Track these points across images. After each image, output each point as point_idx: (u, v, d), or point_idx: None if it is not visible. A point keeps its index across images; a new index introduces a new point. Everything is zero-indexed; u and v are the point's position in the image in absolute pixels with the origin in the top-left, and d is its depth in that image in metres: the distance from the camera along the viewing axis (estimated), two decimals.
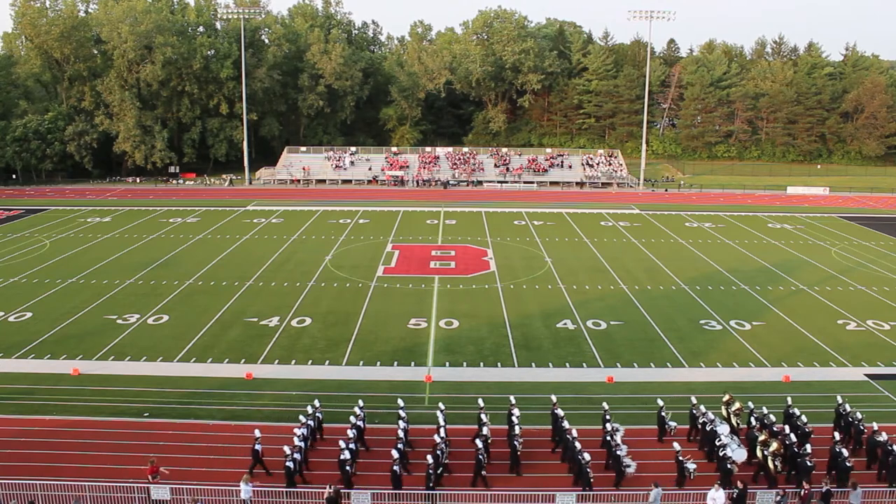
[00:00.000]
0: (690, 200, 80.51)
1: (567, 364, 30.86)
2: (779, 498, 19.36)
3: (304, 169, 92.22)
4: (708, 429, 22.86)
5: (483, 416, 23.29)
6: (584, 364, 30.89)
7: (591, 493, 20.42)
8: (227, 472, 21.92)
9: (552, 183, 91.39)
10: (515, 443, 22.06)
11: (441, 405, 24.25)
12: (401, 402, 24.35)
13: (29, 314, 36.91)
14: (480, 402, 24.42)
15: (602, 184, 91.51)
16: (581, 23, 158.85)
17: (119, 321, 35.83)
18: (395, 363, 30.85)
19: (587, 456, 20.93)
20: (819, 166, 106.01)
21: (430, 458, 20.82)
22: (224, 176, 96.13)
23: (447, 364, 30.78)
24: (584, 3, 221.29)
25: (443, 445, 21.71)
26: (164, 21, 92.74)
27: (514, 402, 24.35)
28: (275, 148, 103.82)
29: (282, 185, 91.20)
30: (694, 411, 24.13)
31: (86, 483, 20.33)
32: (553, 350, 32.39)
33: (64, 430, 24.60)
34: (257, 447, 21.84)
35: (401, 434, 22.39)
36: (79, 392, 27.65)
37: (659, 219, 67.05)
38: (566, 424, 22.92)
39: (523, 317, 37.08)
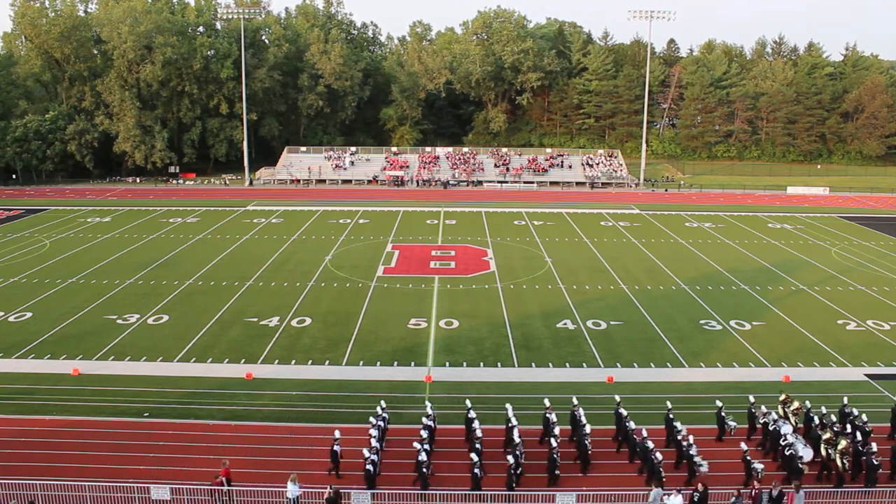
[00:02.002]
0: (690, 200, 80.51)
1: (567, 364, 30.86)
2: (734, 499, 19.38)
3: (309, 169, 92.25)
4: (771, 428, 22.86)
5: (551, 415, 23.15)
6: (584, 364, 30.88)
7: (592, 493, 20.41)
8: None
9: (552, 183, 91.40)
10: (586, 442, 22.03)
11: (508, 405, 23.98)
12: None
13: (29, 314, 36.90)
14: (547, 402, 24.24)
15: (602, 184, 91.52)
16: (581, 23, 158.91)
17: (119, 321, 35.83)
18: (395, 363, 30.84)
19: (659, 456, 21.00)
20: (819, 166, 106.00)
21: (511, 459, 20.78)
22: (223, 176, 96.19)
23: (447, 364, 30.77)
24: (584, 3, 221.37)
25: (522, 445, 21.69)
26: (164, 21, 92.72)
27: (576, 402, 24.31)
28: (275, 148, 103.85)
29: (282, 185, 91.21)
30: (753, 410, 24.16)
31: (86, 483, 20.31)
32: (553, 350, 32.39)
33: (64, 430, 24.58)
34: (336, 448, 21.59)
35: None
36: (79, 392, 27.64)
37: (659, 219, 67.05)
38: (632, 425, 22.93)
39: (523, 317, 37.08)
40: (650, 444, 21.52)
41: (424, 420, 23.06)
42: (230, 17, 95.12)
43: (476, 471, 20.53)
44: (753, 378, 29.55)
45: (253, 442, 23.80)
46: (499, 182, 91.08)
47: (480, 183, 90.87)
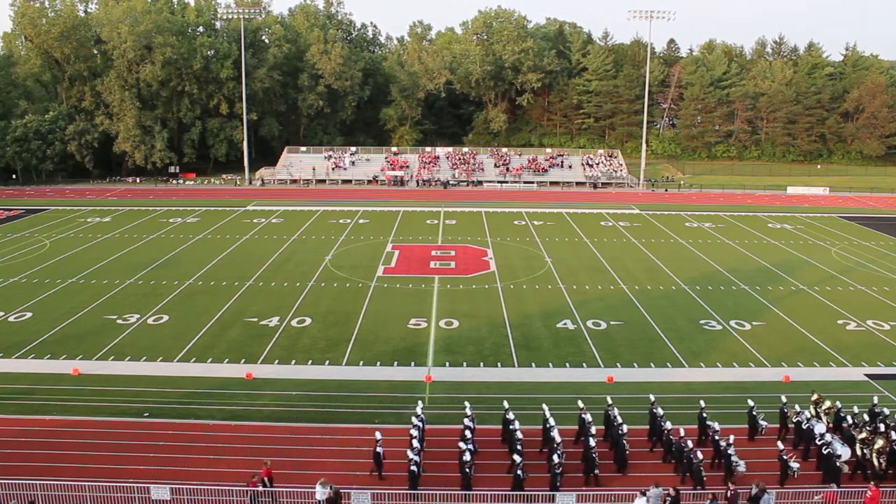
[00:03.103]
0: (690, 200, 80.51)
1: (567, 364, 30.85)
2: (708, 502, 19.40)
3: (314, 169, 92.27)
4: (804, 427, 22.90)
5: (587, 415, 23.14)
6: (584, 364, 30.88)
7: (592, 493, 20.42)
8: (228, 472, 21.93)
9: (552, 183, 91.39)
10: (624, 442, 22.07)
11: (545, 406, 23.97)
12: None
13: (29, 314, 36.90)
14: (581, 403, 24.19)
15: (602, 184, 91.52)
16: (581, 23, 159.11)
17: (119, 321, 35.82)
18: (395, 363, 30.84)
19: (700, 455, 21.03)
20: (819, 166, 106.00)
21: (556, 458, 20.82)
22: (225, 176, 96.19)
23: (447, 364, 30.77)
24: (584, 3, 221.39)
25: (563, 444, 21.72)
26: (164, 21, 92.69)
27: (611, 402, 24.35)
28: (275, 148, 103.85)
29: (282, 185, 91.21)
30: (785, 410, 24.20)
31: (86, 483, 20.31)
32: (553, 350, 32.39)
33: (64, 430, 24.59)
34: (378, 450, 21.56)
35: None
36: (79, 392, 27.64)
37: (659, 219, 67.05)
38: (669, 425, 22.94)
39: (523, 317, 37.07)
40: (689, 444, 21.60)
41: (466, 421, 22.94)
42: (230, 17, 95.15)
43: (518, 472, 20.54)
44: (753, 378, 29.56)
45: (253, 442, 23.79)
46: (499, 182, 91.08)
47: (480, 183, 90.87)
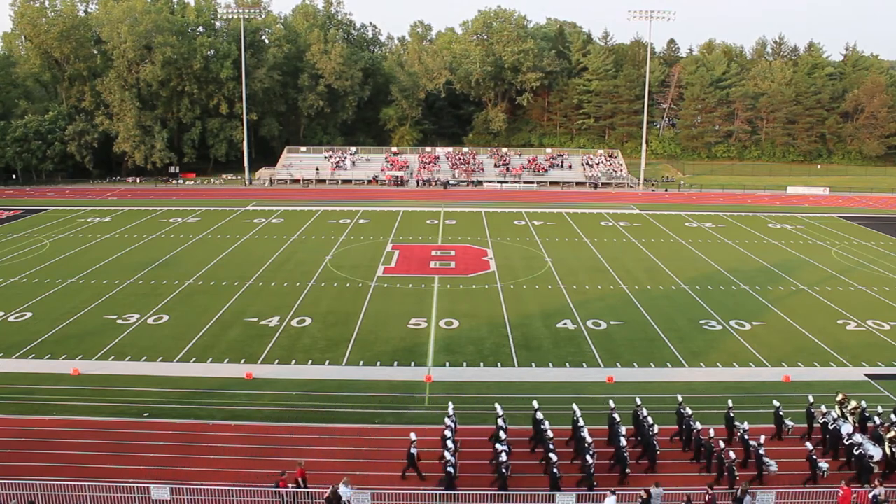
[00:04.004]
0: (690, 200, 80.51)
1: (567, 364, 30.85)
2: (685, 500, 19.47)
3: (317, 169, 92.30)
4: (831, 427, 22.92)
5: (616, 415, 23.17)
6: (584, 364, 30.88)
7: (592, 493, 20.42)
8: (227, 472, 21.93)
9: (552, 183, 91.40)
10: (654, 442, 22.08)
11: (575, 406, 23.94)
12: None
13: (29, 314, 36.90)
14: (612, 402, 24.17)
15: (602, 184, 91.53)
16: (581, 23, 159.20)
17: (119, 321, 35.82)
18: (395, 363, 30.84)
19: (732, 455, 21.06)
20: (819, 166, 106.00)
21: (589, 459, 20.84)
22: (226, 176, 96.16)
23: (447, 364, 30.76)
24: (584, 3, 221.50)
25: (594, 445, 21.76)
26: (164, 21, 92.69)
27: (639, 402, 24.39)
28: (275, 148, 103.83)
29: (282, 185, 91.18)
30: (812, 410, 24.23)
31: (86, 483, 20.31)
32: (553, 350, 32.38)
33: (64, 430, 24.59)
34: (413, 451, 21.51)
35: (503, 435, 22.05)
36: (79, 392, 27.64)
37: (659, 219, 67.06)
38: (698, 425, 22.92)
39: (523, 317, 37.07)
40: (721, 444, 21.57)
41: (499, 421, 22.88)
42: (230, 17, 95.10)
43: (555, 470, 20.53)
44: (753, 378, 29.55)
45: (253, 442, 23.79)
46: (499, 182, 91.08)
47: (480, 183, 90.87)
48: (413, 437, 21.94)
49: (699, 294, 41.53)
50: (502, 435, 22.01)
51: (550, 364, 30.80)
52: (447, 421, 22.80)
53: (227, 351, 31.98)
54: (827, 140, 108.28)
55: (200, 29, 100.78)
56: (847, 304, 39.68)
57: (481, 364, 30.79)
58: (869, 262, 50.05)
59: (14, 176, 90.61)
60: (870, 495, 19.61)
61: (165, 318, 36.53)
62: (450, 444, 21.44)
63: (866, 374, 29.91)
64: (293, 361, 30.93)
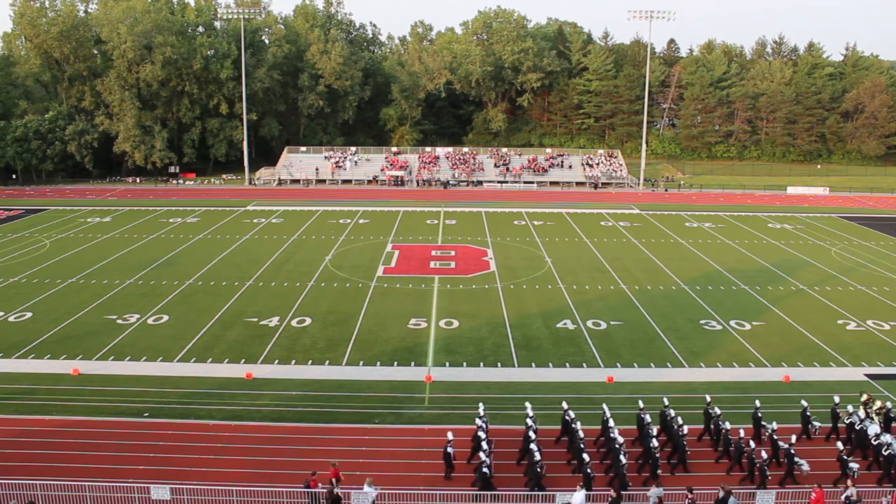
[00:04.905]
0: (690, 200, 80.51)
1: (567, 364, 30.85)
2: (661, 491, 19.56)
3: (317, 170, 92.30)
4: (857, 427, 22.94)
5: (646, 416, 23.14)
6: (584, 364, 30.88)
7: (592, 493, 20.41)
8: (227, 472, 21.93)
9: (552, 183, 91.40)
10: (684, 442, 22.12)
11: (605, 406, 23.93)
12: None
13: (29, 314, 36.89)
14: (641, 403, 24.08)
15: (602, 184, 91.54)
16: (581, 23, 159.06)
17: (119, 321, 35.82)
18: (395, 363, 30.83)
19: (764, 454, 21.10)
20: (819, 166, 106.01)
21: (623, 459, 20.85)
22: (225, 176, 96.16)
23: (447, 364, 30.76)
24: (584, 3, 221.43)
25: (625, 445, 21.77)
26: (164, 21, 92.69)
27: (667, 402, 24.43)
28: (275, 148, 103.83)
29: (281, 184, 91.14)
30: (838, 411, 24.24)
31: (86, 483, 20.30)
32: (553, 350, 32.38)
33: (64, 430, 24.58)
34: (449, 450, 21.49)
35: (533, 435, 21.99)
36: (79, 392, 27.63)
37: (659, 219, 67.06)
38: (728, 425, 22.93)
39: (523, 317, 37.07)
40: (752, 444, 21.63)
41: (528, 421, 22.86)
42: (230, 17, 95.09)
43: (588, 470, 20.55)
44: (754, 378, 29.55)
45: (253, 442, 23.79)
46: (499, 182, 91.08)
47: (480, 183, 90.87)
48: (450, 436, 21.94)
49: (699, 294, 41.53)
50: (532, 435, 21.98)
51: (550, 364, 30.80)
52: (478, 422, 22.73)
53: (227, 351, 31.98)
54: (827, 140, 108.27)
55: (200, 29, 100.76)
56: (847, 304, 39.68)
57: (481, 364, 30.78)
58: (869, 262, 50.05)
59: (14, 176, 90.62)
60: (842, 496, 19.59)
61: (165, 318, 36.53)
62: (484, 444, 21.41)
63: (866, 374, 29.90)
64: (293, 361, 30.92)
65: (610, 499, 19.47)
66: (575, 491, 19.58)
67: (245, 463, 22.27)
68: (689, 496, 19.44)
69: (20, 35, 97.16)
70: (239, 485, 20.66)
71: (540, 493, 20.19)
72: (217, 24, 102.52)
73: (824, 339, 34.13)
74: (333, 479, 20.12)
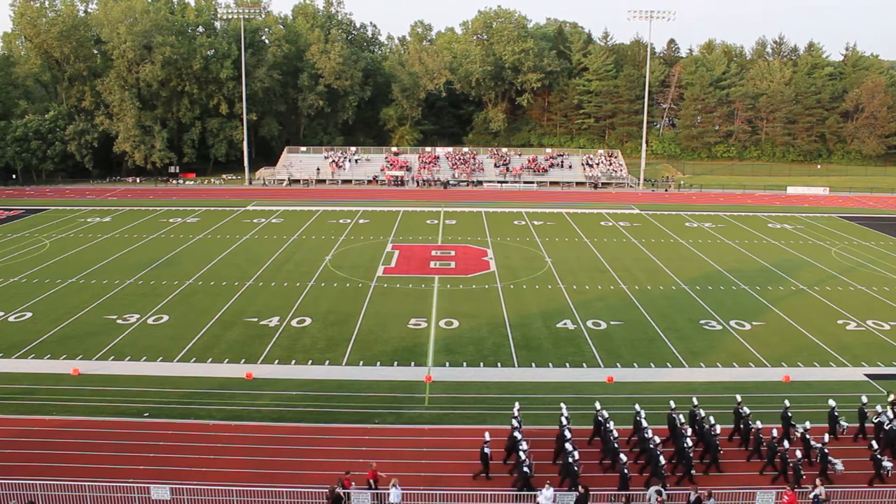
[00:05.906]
0: (690, 200, 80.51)
1: (567, 364, 30.85)
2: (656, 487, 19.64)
3: (318, 170, 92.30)
4: (886, 427, 22.97)
5: (678, 416, 23.22)
6: (584, 364, 30.88)
7: (592, 493, 20.39)
8: (227, 472, 21.93)
9: (552, 183, 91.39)
10: (716, 442, 22.15)
11: (637, 406, 23.88)
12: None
13: (29, 314, 36.90)
14: (672, 403, 24.17)
15: (602, 184, 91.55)
16: (581, 23, 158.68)
17: (119, 321, 35.82)
18: (395, 363, 30.84)
19: (799, 454, 21.17)
20: (819, 166, 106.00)
21: (662, 459, 20.87)
22: (225, 176, 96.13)
23: (447, 364, 30.76)
24: (584, 3, 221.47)
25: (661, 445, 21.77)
26: (164, 21, 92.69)
27: (696, 402, 24.47)
28: (275, 148, 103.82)
29: (281, 184, 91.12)
30: (865, 410, 24.29)
31: (86, 483, 20.31)
32: (553, 350, 32.38)
33: (64, 430, 24.59)
34: (486, 450, 21.50)
35: (568, 434, 22.00)
36: (79, 392, 27.64)
37: (659, 219, 67.06)
38: (759, 424, 22.96)
39: (523, 317, 37.07)
40: (786, 444, 21.65)
41: (562, 420, 22.86)
42: (230, 17, 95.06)
43: (625, 470, 20.59)
44: (754, 378, 29.56)
45: (253, 442, 23.79)
46: (499, 182, 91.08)
47: (480, 183, 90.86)
48: (487, 436, 21.95)
49: (699, 294, 41.53)
50: (567, 434, 21.96)
51: (550, 364, 30.80)
52: (514, 422, 22.73)
53: (227, 351, 31.98)
54: (827, 140, 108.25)
55: (200, 29, 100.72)
56: (847, 304, 39.68)
57: (481, 364, 30.79)
58: (869, 262, 50.05)
59: (14, 176, 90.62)
60: (810, 495, 19.61)
61: (165, 318, 36.53)
62: (524, 444, 21.41)
63: (866, 374, 29.91)
64: (293, 361, 30.92)
65: (575, 496, 19.48)
66: (543, 488, 19.63)
67: (245, 463, 22.28)
68: (659, 498, 19.50)
69: (20, 35, 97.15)
70: (239, 485, 20.67)
71: (528, 492, 20.19)
72: (217, 24, 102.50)
73: (824, 339, 34.13)
74: (371, 480, 20.12)
